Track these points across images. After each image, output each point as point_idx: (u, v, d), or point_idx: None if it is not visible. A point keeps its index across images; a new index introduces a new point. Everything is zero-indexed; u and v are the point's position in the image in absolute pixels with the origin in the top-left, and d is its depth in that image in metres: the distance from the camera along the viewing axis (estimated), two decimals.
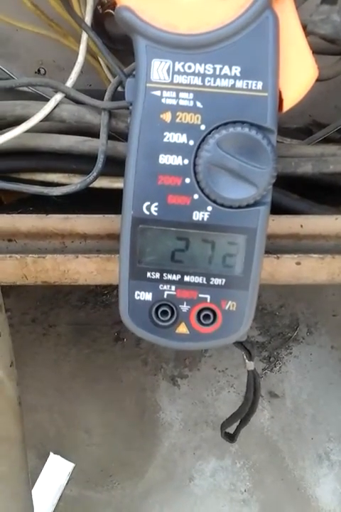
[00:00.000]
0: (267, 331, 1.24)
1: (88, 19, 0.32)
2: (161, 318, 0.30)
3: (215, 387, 1.15)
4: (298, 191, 0.40)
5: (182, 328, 0.30)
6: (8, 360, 0.57)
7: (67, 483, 1.02)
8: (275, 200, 0.37)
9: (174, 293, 0.30)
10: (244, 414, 0.42)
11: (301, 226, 0.35)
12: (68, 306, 1.24)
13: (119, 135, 0.33)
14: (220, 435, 0.46)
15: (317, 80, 0.38)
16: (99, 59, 0.39)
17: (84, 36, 0.32)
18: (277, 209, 0.37)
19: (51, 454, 1.03)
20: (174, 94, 0.27)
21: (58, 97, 0.32)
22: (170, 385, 1.16)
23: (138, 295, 0.30)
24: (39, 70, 0.44)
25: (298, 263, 0.35)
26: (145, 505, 0.99)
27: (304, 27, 0.31)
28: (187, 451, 1.06)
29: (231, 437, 0.46)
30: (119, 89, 0.34)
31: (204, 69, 0.27)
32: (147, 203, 0.28)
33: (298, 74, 0.27)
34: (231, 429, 0.46)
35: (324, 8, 0.30)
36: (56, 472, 1.03)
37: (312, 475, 1.03)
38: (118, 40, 0.38)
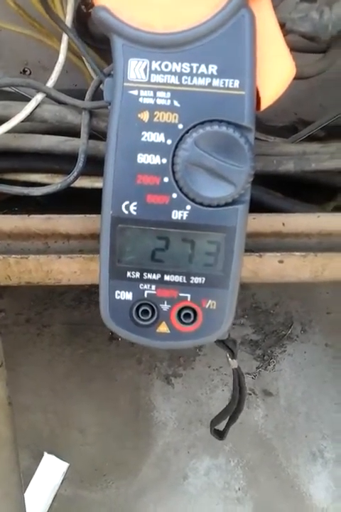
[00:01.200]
0: (261, 329, 1.24)
1: (69, 19, 0.32)
2: (142, 317, 0.30)
3: (209, 385, 1.15)
4: (281, 189, 0.40)
5: (162, 327, 0.30)
6: None
7: (61, 483, 1.02)
8: (258, 199, 0.37)
9: (154, 292, 0.30)
10: (232, 411, 0.42)
11: (283, 224, 0.35)
12: (62, 305, 1.24)
13: (101, 134, 0.33)
14: (210, 432, 0.46)
15: (300, 78, 0.38)
16: (83, 59, 0.39)
17: (65, 37, 0.32)
18: (259, 207, 0.37)
19: (45, 453, 1.03)
20: (151, 94, 0.27)
21: (39, 97, 0.32)
22: (164, 383, 1.16)
23: (119, 295, 0.30)
24: (24, 70, 0.44)
25: (281, 261, 0.35)
26: (139, 504, 1.00)
27: (283, 25, 0.31)
28: (181, 449, 1.06)
29: (220, 434, 0.46)
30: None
31: (181, 68, 0.27)
32: (126, 203, 0.28)
33: (275, 72, 0.27)
34: (220, 427, 0.46)
35: (303, 5, 0.30)
36: (50, 472, 1.03)
37: (305, 473, 1.03)
38: (101, 40, 0.38)
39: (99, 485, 1.01)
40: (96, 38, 0.37)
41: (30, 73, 0.44)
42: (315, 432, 1.08)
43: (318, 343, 1.21)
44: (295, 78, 0.38)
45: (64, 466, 1.03)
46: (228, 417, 0.43)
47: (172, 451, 1.06)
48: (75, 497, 1.01)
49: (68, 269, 0.34)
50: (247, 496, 1.00)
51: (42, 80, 0.44)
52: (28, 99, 0.36)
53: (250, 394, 1.14)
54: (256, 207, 0.38)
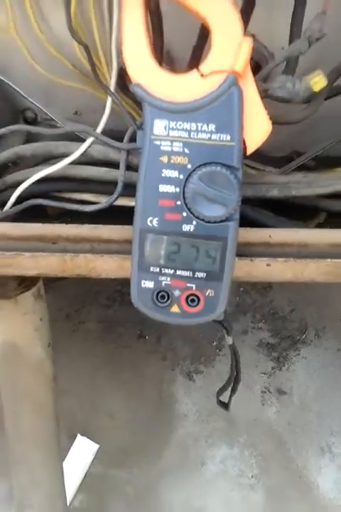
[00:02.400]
0: (278, 334, 1.34)
1: (112, 84, 0.45)
2: (160, 301, 0.42)
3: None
4: (274, 209, 0.52)
5: (175, 308, 0.42)
6: (47, 341, 0.70)
7: (92, 462, 1.14)
8: (252, 217, 0.48)
9: (169, 283, 0.42)
10: (232, 384, 0.53)
11: (270, 236, 0.46)
12: (97, 304, 1.37)
13: (134, 167, 0.45)
14: (216, 403, 0.57)
15: (290, 123, 0.50)
16: None
17: (109, 100, 0.44)
18: (253, 223, 0.49)
19: (78, 435, 1.16)
20: (169, 144, 0.39)
21: (90, 140, 0.44)
22: (186, 379, 1.27)
23: (144, 284, 0.42)
24: (76, 112, 0.57)
25: (268, 265, 0.46)
26: (160, 484, 1.11)
27: (266, 91, 0.42)
28: (200, 439, 1.16)
29: (225, 405, 0.57)
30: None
31: (190, 126, 0.39)
32: (150, 218, 0.40)
33: (256, 129, 0.39)
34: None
35: (281, 77, 0.41)
36: (83, 452, 1.15)
37: (314, 465, 1.12)
38: None
39: (125, 465, 1.13)
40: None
41: (80, 114, 0.57)
42: (325, 428, 1.16)
43: (331, 348, 1.30)
44: (287, 123, 0.49)
45: (95, 447, 1.16)
46: (231, 388, 0.54)
47: (192, 440, 1.17)
48: (104, 475, 1.13)
49: (108, 266, 0.47)
50: (259, 484, 1.10)
51: (90, 118, 0.56)
52: (80, 139, 0.48)
53: (265, 392, 1.24)
54: (252, 223, 0.49)
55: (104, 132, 0.47)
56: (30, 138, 0.55)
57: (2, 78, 0.52)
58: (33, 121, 0.57)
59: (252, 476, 1.11)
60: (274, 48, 0.49)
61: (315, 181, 0.47)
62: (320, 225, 0.53)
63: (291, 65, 0.43)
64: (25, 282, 0.61)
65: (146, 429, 1.18)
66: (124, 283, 1.39)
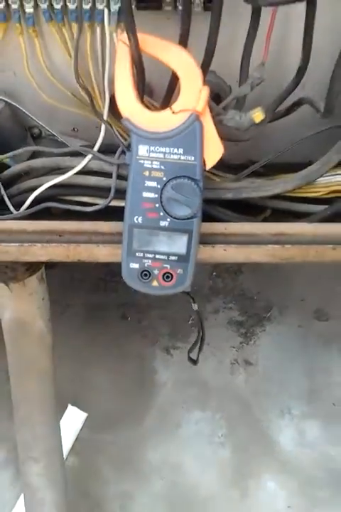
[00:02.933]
0: (245, 312, 1.50)
1: (105, 113, 0.58)
2: (143, 278, 0.56)
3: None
4: (231, 208, 0.66)
5: (154, 283, 0.57)
6: (47, 316, 0.83)
7: (81, 429, 1.29)
8: (212, 214, 0.63)
9: (150, 264, 0.56)
10: (199, 343, 0.68)
11: (225, 228, 0.61)
12: (82, 290, 1.50)
13: (123, 177, 0.59)
14: (187, 359, 0.73)
15: (241, 141, 0.64)
16: None
17: (103, 127, 0.58)
18: (214, 219, 0.63)
19: (69, 405, 1.30)
20: (150, 162, 0.53)
21: (89, 156, 0.58)
22: (164, 354, 1.42)
23: (131, 265, 0.56)
24: (74, 129, 0.70)
25: (225, 250, 0.61)
26: (142, 445, 1.26)
27: (221, 121, 0.57)
28: (177, 405, 1.32)
29: (194, 361, 0.73)
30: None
31: (165, 149, 0.53)
32: (136, 217, 0.55)
33: (213, 151, 0.54)
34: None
35: (231, 112, 0.56)
36: (73, 420, 1.29)
37: (276, 425, 1.29)
38: None
39: (110, 430, 1.28)
40: None
41: (77, 131, 0.71)
42: (285, 394, 1.33)
43: (292, 324, 1.47)
44: (239, 141, 0.64)
45: (83, 415, 1.30)
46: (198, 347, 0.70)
47: (170, 405, 1.32)
48: (92, 439, 1.27)
49: (103, 253, 0.61)
50: (228, 441, 1.26)
51: (85, 135, 0.70)
52: (81, 153, 0.62)
53: (234, 363, 1.40)
54: (213, 218, 0.64)
55: (100, 147, 0.62)
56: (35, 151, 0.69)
57: (14, 103, 0.65)
58: (38, 136, 0.70)
59: (222, 435, 1.27)
60: (232, 78, 0.63)
61: (261, 186, 0.62)
62: (265, 219, 0.68)
63: (240, 101, 0.58)
64: (32, 268, 0.74)
65: (129, 398, 1.33)
66: (107, 272, 1.55)
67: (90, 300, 1.50)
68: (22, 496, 1.18)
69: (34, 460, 0.93)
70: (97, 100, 0.63)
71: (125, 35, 0.51)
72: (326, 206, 0.64)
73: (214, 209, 0.63)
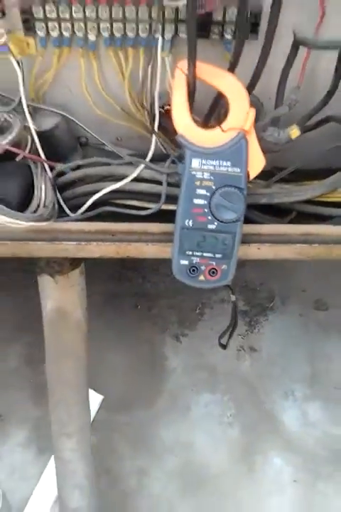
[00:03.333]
0: (249, 302, 1.60)
1: (156, 127, 0.66)
2: (191, 273, 0.65)
3: (209, 342, 1.50)
4: (262, 210, 0.75)
5: (201, 278, 0.65)
6: (84, 306, 0.91)
7: (97, 410, 1.37)
8: (248, 216, 0.71)
9: (198, 261, 0.64)
10: (230, 330, 0.77)
11: (260, 229, 0.70)
12: (99, 280, 1.57)
13: (171, 184, 0.67)
14: (218, 344, 0.81)
15: (274, 152, 0.72)
16: None
17: (154, 139, 0.66)
18: (248, 220, 0.72)
19: None
20: (201, 173, 0.61)
21: (142, 166, 0.66)
22: (174, 341, 1.51)
23: (181, 262, 0.64)
24: (117, 138, 0.78)
25: (259, 248, 0.70)
26: (155, 425, 1.34)
27: (262, 138, 0.65)
28: (187, 388, 1.41)
29: (223, 346, 0.81)
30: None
31: (215, 162, 0.61)
32: (187, 220, 0.63)
33: (255, 164, 0.62)
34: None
35: (270, 129, 0.64)
36: (90, 402, 1.37)
37: (280, 406, 1.38)
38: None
39: (125, 411, 1.36)
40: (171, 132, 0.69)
41: (121, 140, 0.78)
42: (288, 378, 1.43)
43: (293, 313, 1.57)
44: (272, 152, 0.72)
45: (100, 397, 1.38)
46: (228, 334, 0.78)
47: (180, 388, 1.41)
48: (108, 420, 1.35)
49: (152, 250, 0.69)
50: (236, 421, 1.36)
51: (129, 144, 0.78)
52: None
53: (240, 350, 1.50)
54: (248, 220, 0.73)
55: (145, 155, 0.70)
56: (84, 155, 0.76)
57: (70, 116, 0.72)
58: (85, 144, 0.78)
59: (230, 415, 1.36)
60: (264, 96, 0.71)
61: (291, 192, 0.70)
62: (291, 221, 0.77)
63: (276, 120, 0.66)
64: (75, 262, 0.82)
65: (142, 382, 1.41)
66: (122, 265, 1.62)
67: (107, 289, 1.57)
68: (45, 471, 1.27)
69: (67, 436, 1.01)
70: (144, 115, 0.70)
71: (183, 63, 0.59)
72: None
73: (249, 212, 0.71)
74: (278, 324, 1.55)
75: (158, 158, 0.72)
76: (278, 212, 0.77)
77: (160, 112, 0.69)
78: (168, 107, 0.70)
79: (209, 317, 1.56)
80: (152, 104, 0.70)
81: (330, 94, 0.65)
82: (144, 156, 0.71)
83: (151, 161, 0.70)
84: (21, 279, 1.48)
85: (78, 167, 0.73)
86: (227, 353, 1.47)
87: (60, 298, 0.87)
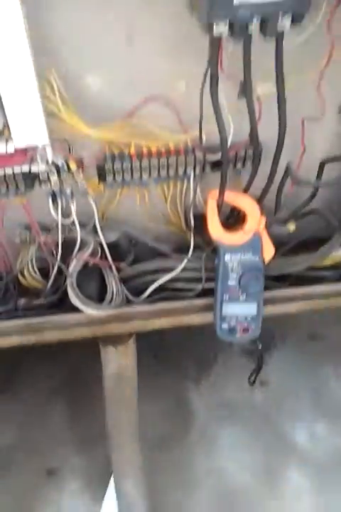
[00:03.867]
0: (254, 342, 1.85)
1: (191, 232, 0.94)
2: (230, 332, 0.91)
3: (224, 380, 1.73)
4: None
5: (238, 335, 0.91)
6: (136, 368, 1.16)
7: None
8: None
9: (235, 323, 0.91)
10: (257, 370, 1.03)
11: (272, 294, 0.97)
12: None
13: (207, 270, 0.94)
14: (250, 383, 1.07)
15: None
16: None
17: (192, 241, 0.94)
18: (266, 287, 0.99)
19: None
20: (231, 263, 0.88)
21: (186, 260, 0.93)
22: (194, 384, 1.75)
23: (223, 326, 0.91)
24: (156, 238, 1.05)
25: (273, 306, 0.97)
26: (187, 455, 1.56)
27: (269, 232, 0.93)
28: (212, 423, 1.64)
29: (252, 383, 1.07)
30: None
31: (241, 255, 0.88)
32: (224, 294, 0.90)
33: (268, 252, 0.90)
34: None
35: (275, 226, 0.93)
36: None
37: (291, 428, 1.62)
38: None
39: (161, 450, 1.58)
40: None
41: (159, 238, 1.05)
42: (295, 403, 1.68)
43: (293, 347, 1.83)
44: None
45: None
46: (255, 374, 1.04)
47: (206, 425, 1.64)
48: (148, 457, 1.57)
49: (199, 319, 0.95)
50: (256, 447, 1.58)
51: (167, 239, 1.05)
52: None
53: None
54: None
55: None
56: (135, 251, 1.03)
57: (129, 230, 0.99)
58: (135, 245, 1.04)
59: (250, 442, 1.60)
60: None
61: (294, 263, 0.97)
62: (292, 283, 1.04)
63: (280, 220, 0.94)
64: (131, 334, 1.08)
65: (171, 423, 1.64)
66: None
67: None
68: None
69: (126, 477, 1.24)
70: (182, 221, 0.98)
71: (213, 192, 0.87)
72: (332, 272, 1.01)
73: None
74: (282, 358, 1.81)
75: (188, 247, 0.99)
76: (281, 277, 1.05)
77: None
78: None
79: (222, 360, 1.82)
80: (187, 214, 0.97)
81: (313, 195, 0.94)
82: (181, 249, 0.99)
83: (186, 253, 0.97)
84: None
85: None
86: (242, 388, 1.72)
87: (120, 363, 1.11)
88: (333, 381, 1.70)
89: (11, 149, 0.79)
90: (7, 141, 0.78)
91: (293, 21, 0.60)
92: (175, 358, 1.83)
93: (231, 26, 0.60)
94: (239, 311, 0.90)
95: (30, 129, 0.76)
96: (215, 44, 0.64)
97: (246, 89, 0.70)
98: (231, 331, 0.91)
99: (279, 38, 0.65)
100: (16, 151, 0.79)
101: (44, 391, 1.76)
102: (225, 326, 0.91)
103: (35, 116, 0.75)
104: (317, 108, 0.84)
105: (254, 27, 0.61)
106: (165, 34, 0.77)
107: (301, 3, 0.58)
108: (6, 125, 0.76)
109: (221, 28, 0.61)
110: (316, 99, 0.83)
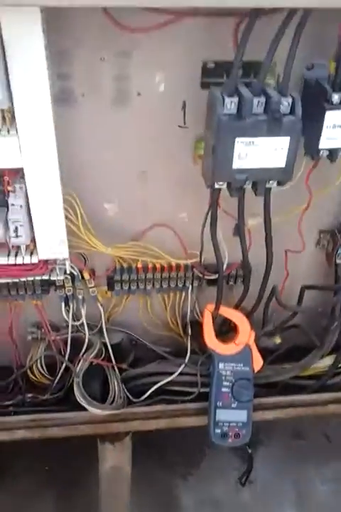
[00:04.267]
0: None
1: (188, 342, 1.04)
2: (223, 437, 0.99)
3: (212, 477, 1.76)
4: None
5: (230, 440, 0.99)
6: (130, 462, 1.21)
7: None
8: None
9: (227, 429, 0.98)
10: (247, 473, 1.09)
11: (260, 402, 1.05)
12: None
13: (204, 375, 1.03)
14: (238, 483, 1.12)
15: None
16: None
17: (189, 348, 1.03)
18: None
19: None
20: (225, 371, 0.98)
21: (183, 365, 1.03)
22: (182, 480, 1.77)
23: (216, 431, 0.98)
24: (156, 342, 1.15)
25: (262, 412, 1.05)
26: None
27: (258, 344, 1.03)
28: None
29: (243, 483, 1.12)
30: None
31: (233, 364, 0.98)
32: (218, 401, 0.98)
33: (256, 362, 0.99)
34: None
35: (262, 338, 1.03)
36: None
37: None
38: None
39: None
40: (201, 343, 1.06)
41: (161, 341, 1.15)
42: (281, 500, 1.70)
43: (277, 446, 1.87)
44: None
45: None
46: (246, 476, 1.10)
47: None
48: None
49: (191, 421, 1.03)
50: None
51: (164, 342, 1.14)
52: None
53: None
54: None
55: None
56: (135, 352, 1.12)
57: (131, 333, 1.09)
58: (135, 344, 1.14)
59: None
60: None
61: (280, 372, 1.07)
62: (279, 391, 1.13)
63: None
64: (128, 431, 1.14)
65: None
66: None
67: None
68: None
69: None
70: (179, 327, 1.08)
71: (210, 306, 0.98)
72: (315, 381, 1.10)
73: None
74: (267, 455, 1.84)
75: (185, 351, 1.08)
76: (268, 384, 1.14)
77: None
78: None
79: (207, 457, 1.85)
80: (184, 320, 1.08)
81: (295, 314, 1.05)
82: (177, 350, 1.08)
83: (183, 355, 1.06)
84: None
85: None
86: (228, 487, 1.74)
87: (116, 459, 1.17)
88: (317, 481, 1.74)
89: (34, 260, 0.89)
90: (32, 253, 0.89)
91: (278, 184, 0.74)
92: (164, 451, 1.85)
93: (229, 184, 0.74)
94: (231, 417, 0.98)
95: (53, 245, 0.87)
96: (215, 195, 0.78)
97: (239, 232, 0.84)
98: (224, 436, 0.98)
99: (267, 193, 0.79)
100: (39, 261, 0.90)
101: (35, 483, 1.76)
102: (218, 431, 0.98)
103: (59, 234, 0.86)
104: (298, 242, 0.98)
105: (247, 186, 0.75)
106: (172, 175, 0.92)
107: (286, 173, 0.73)
108: (33, 240, 0.87)
109: (220, 185, 0.74)
110: (297, 235, 0.97)
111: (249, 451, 1.08)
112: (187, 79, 0.80)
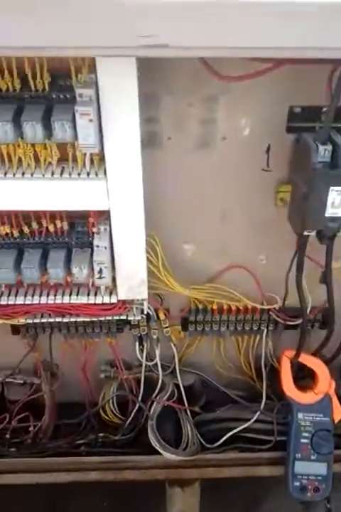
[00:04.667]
0: None
1: (263, 392, 1.01)
2: (302, 492, 0.93)
3: None
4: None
5: (309, 494, 0.93)
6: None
7: None
8: None
9: (306, 482, 0.93)
10: None
11: None
12: None
13: (279, 423, 0.99)
14: None
15: None
16: None
17: (264, 396, 1.00)
18: None
19: None
20: (304, 421, 0.93)
21: (258, 412, 0.99)
22: None
23: (295, 484, 0.93)
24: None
25: None
26: None
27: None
28: None
29: None
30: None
31: (313, 414, 0.93)
32: (297, 453, 0.93)
33: (337, 412, 0.94)
34: None
35: None
36: None
37: None
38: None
39: None
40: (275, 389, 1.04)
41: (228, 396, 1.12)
42: None
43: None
44: None
45: None
46: None
47: None
48: None
49: (266, 471, 0.98)
50: None
51: (238, 387, 1.11)
52: None
53: None
54: None
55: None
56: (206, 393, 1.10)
57: (200, 373, 1.07)
58: (206, 386, 1.11)
59: None
60: None
61: None
62: None
63: None
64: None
65: None
66: None
67: None
68: None
69: None
70: (253, 373, 1.05)
71: (288, 352, 0.95)
72: None
73: None
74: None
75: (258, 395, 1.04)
76: None
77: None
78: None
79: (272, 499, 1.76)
80: (257, 364, 1.05)
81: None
82: (248, 396, 1.05)
83: (255, 399, 1.02)
84: None
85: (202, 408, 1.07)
86: None
87: (185, 503, 1.13)
88: None
89: (113, 300, 0.90)
90: (111, 293, 0.90)
91: None
92: (232, 497, 1.78)
93: (318, 232, 0.73)
94: (311, 470, 0.93)
95: (134, 285, 0.87)
96: (303, 241, 0.76)
97: (326, 279, 0.81)
98: (303, 489, 0.93)
99: None
100: (118, 301, 0.90)
101: None
102: (297, 484, 0.94)
103: (140, 275, 0.86)
104: None
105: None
106: (253, 217, 0.91)
107: None
108: (114, 280, 0.87)
109: (310, 232, 0.73)
110: None
111: (328, 506, 1.01)
112: (273, 123, 0.80)
